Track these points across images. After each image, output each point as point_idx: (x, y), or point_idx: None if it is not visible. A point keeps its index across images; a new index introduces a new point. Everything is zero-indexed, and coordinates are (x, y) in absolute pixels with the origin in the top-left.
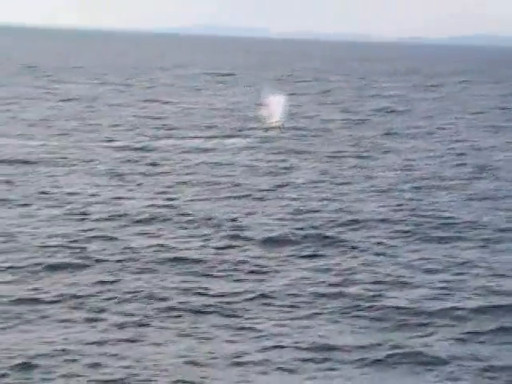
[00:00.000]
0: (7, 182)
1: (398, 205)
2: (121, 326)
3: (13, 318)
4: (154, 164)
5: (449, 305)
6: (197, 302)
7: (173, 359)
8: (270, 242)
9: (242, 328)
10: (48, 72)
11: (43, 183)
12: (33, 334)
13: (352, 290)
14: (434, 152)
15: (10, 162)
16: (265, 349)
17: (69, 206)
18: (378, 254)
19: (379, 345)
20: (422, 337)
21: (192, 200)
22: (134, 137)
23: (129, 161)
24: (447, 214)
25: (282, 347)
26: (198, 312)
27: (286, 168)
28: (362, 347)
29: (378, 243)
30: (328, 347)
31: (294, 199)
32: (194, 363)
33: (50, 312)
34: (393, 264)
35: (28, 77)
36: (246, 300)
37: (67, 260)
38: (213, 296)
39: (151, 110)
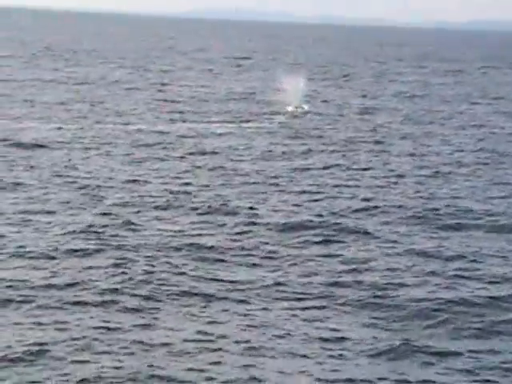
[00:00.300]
0: (24, 165)
1: (415, 191)
2: (134, 311)
3: (28, 303)
4: (169, 148)
5: (463, 294)
6: (210, 287)
7: (184, 344)
8: (285, 229)
9: (254, 315)
10: (65, 55)
11: (60, 167)
12: (47, 318)
13: (366, 278)
14: (451, 137)
15: (27, 145)
16: (275, 336)
17: (85, 191)
18: (393, 242)
19: (391, 334)
20: (435, 327)
21: (207, 185)
22: (150, 120)
23: (145, 145)
24: (464, 201)
25: (292, 335)
26: (210, 298)
27: (302, 153)
28: (374, 337)
29: (394, 230)
30: (339, 336)
31: (311, 185)
32: (204, 348)
33: (65, 297)
34: (408, 252)
35: (46, 59)
36: (259, 287)
37: (82, 245)
38: (226, 282)
39: (168, 93)
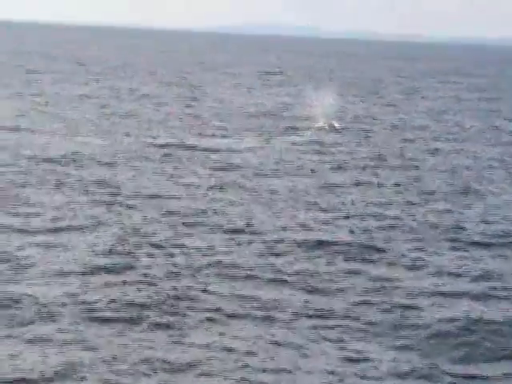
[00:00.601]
0: (53, 180)
1: (445, 209)
2: (160, 328)
3: (54, 321)
4: (197, 163)
5: (494, 315)
6: (236, 305)
7: (209, 362)
8: (313, 246)
9: (279, 333)
10: (96, 69)
11: (89, 182)
12: (73, 335)
13: (392, 297)
14: (482, 154)
15: (57, 160)
16: (299, 354)
17: (114, 207)
18: (421, 260)
19: (418, 356)
20: (464, 349)
21: (234, 202)
22: (179, 135)
23: (173, 160)
24: (495, 220)
25: (316, 354)
26: (236, 315)
27: (331, 169)
28: (399, 358)
29: (422, 249)
30: (363, 356)
31: (339, 202)
32: (230, 366)
33: (92, 314)
34: (436, 271)
35: (77, 74)
36: (285, 305)
37: (109, 262)
38: (252, 300)
39: (197, 108)
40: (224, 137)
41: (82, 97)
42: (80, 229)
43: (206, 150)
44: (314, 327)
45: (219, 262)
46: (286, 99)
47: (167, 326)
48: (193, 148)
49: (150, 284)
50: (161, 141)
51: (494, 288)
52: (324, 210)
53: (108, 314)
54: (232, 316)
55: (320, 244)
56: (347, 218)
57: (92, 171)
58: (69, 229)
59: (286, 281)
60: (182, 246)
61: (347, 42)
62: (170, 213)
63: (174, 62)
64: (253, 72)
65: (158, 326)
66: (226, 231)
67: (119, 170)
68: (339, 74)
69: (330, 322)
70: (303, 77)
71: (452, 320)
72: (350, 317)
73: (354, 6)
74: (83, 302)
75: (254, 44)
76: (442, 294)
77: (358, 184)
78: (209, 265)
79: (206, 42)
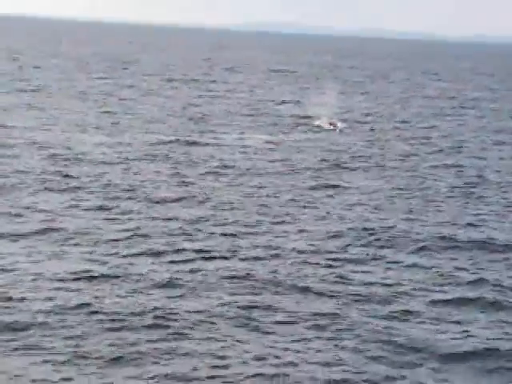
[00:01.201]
0: (50, 180)
1: (445, 213)
2: (154, 332)
3: (41, 328)
4: (198, 162)
5: (491, 325)
6: (230, 311)
7: (200, 371)
8: (311, 250)
9: (270, 340)
10: (100, 66)
11: (86, 183)
12: (61, 343)
13: (390, 304)
14: (486, 154)
15: (55, 159)
16: (290, 359)
17: (111, 211)
18: (420, 266)
19: (407, 358)
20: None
21: (233, 205)
22: (181, 133)
23: (173, 159)
24: (496, 224)
25: (302, 360)
26: (231, 322)
27: (333, 169)
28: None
29: (422, 254)
30: (354, 358)
31: (339, 205)
32: (219, 373)
33: (80, 322)
34: (434, 278)
35: (81, 72)
36: (277, 309)
37: (101, 270)
38: (246, 303)
39: (202, 106)
40: (226, 134)
41: (83, 93)
42: (74, 233)
43: (207, 148)
44: (307, 327)
45: (217, 269)
46: (291, 97)
47: (160, 331)
48: (194, 146)
49: (145, 290)
50: (162, 138)
51: (492, 293)
52: (323, 212)
53: (101, 319)
54: (227, 323)
55: (318, 247)
56: (347, 221)
57: (89, 170)
58: (62, 233)
59: (281, 283)
60: (180, 250)
61: (360, 40)
62: (169, 218)
63: (180, 59)
64: (259, 70)
65: (150, 330)
66: (222, 235)
67: (117, 169)
68: (347, 73)
69: (323, 323)
70: (310, 75)
71: (445, 329)
72: (341, 316)
73: (367, 3)
74: (74, 309)
75: (264, 42)
76: (439, 300)
77: (358, 186)
78: (203, 270)
79: (215, 40)
